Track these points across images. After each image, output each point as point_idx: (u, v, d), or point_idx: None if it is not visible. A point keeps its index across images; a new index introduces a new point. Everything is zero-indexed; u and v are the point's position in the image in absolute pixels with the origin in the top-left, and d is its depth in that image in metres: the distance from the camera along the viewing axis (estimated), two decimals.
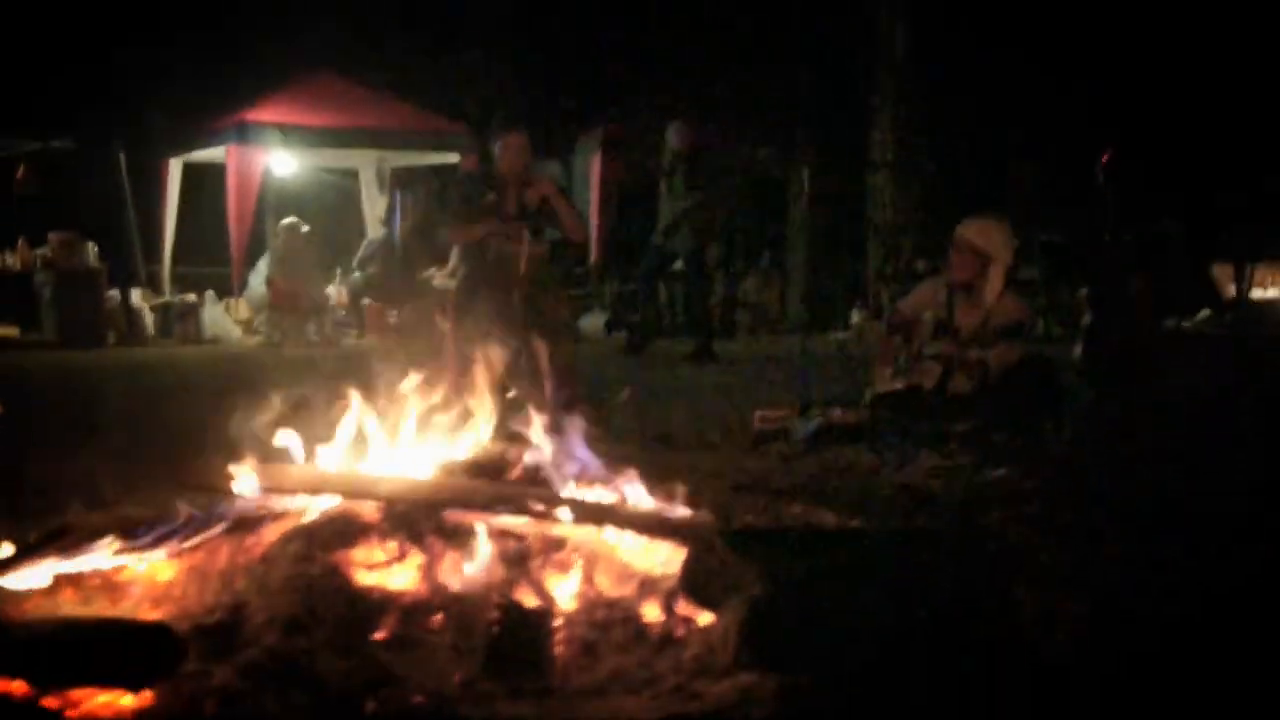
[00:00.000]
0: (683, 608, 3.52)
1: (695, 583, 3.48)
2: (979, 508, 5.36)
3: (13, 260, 15.75)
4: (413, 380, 4.42)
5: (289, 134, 16.19)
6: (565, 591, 3.68)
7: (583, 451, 4.38)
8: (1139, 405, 7.70)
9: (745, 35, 20.54)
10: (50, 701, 2.97)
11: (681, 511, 4.18)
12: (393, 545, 3.77)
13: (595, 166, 18.03)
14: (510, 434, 4.42)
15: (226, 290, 16.66)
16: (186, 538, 3.78)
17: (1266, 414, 7.71)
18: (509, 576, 3.66)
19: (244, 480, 4.02)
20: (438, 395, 4.49)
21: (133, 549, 3.71)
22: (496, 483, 4.14)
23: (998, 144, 19.67)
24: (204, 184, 17.44)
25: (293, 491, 4.08)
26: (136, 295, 16.30)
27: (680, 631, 3.45)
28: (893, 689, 3.09)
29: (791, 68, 20.52)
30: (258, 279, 16.10)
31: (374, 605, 3.48)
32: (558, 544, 3.86)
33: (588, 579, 3.73)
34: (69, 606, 3.53)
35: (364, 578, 3.63)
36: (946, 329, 7.18)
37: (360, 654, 3.25)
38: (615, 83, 21.02)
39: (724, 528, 3.74)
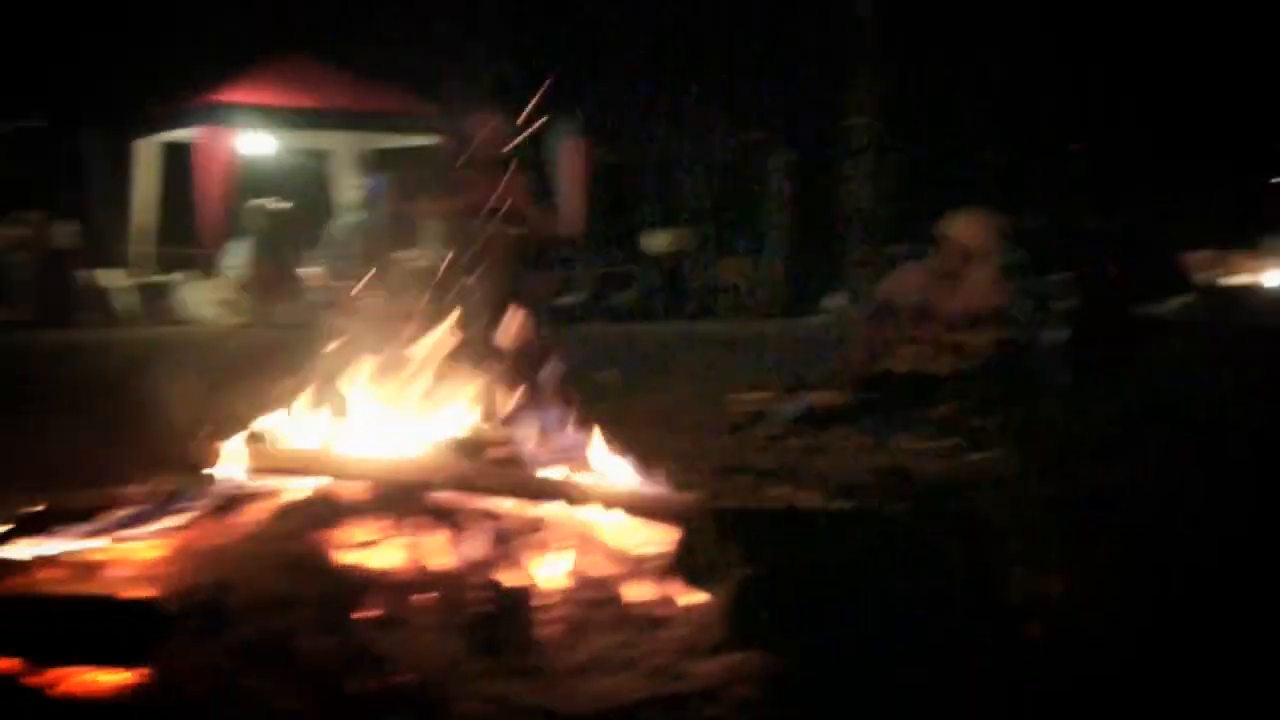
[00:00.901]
0: (669, 588, 3.53)
1: (681, 563, 3.49)
2: (961, 490, 5.38)
3: None
4: (397, 360, 4.41)
5: (260, 115, 16.09)
6: (552, 571, 3.68)
7: (568, 431, 4.39)
8: (1116, 389, 7.74)
9: (722, 20, 20.52)
10: (40, 678, 2.96)
11: (669, 492, 4.19)
12: (379, 525, 3.75)
13: (570, 152, 18.00)
14: (496, 414, 4.41)
15: (203, 271, 16.57)
16: (172, 517, 3.76)
17: (1244, 398, 7.77)
18: (495, 556, 3.66)
19: (229, 460, 4.00)
20: (422, 375, 4.49)
21: (119, 528, 3.70)
22: (482, 463, 4.13)
23: (972, 130, 19.73)
24: (179, 164, 17.33)
25: (278, 471, 4.07)
26: (109, 275, 16.21)
27: (667, 611, 3.46)
28: (877, 669, 3.10)
29: (769, 52, 20.52)
30: (236, 259, 16.02)
31: (360, 584, 3.47)
32: (544, 524, 3.86)
33: (574, 559, 3.73)
34: (54, 585, 3.50)
35: (350, 557, 3.62)
36: (927, 313, 7.20)
37: (346, 633, 3.24)
38: (592, 67, 20.95)
39: (710, 508, 3.73)
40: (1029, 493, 5.24)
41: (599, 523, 3.97)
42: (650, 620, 3.43)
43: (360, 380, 4.39)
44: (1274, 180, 19.16)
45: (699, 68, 20.07)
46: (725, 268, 19.15)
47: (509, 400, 4.42)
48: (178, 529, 3.77)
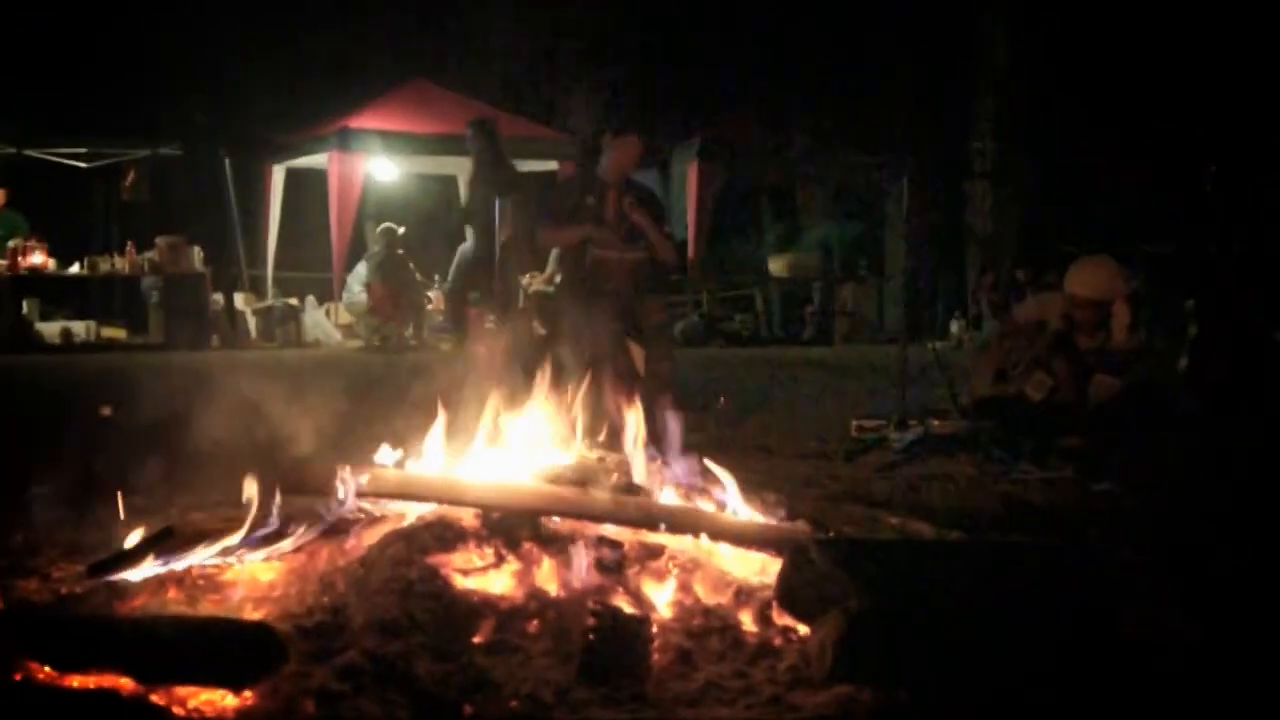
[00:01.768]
0: (779, 618, 3.50)
1: (791, 593, 3.45)
2: (1082, 522, 5.28)
3: (121, 264, 16.07)
4: (511, 387, 4.44)
5: (390, 141, 16.37)
6: (661, 599, 3.68)
7: (679, 459, 4.38)
8: (1249, 421, 7.54)
9: (846, 44, 20.43)
10: (158, 698, 3.01)
11: (778, 521, 4.16)
12: (490, 551, 3.78)
13: (692, 175, 18.04)
14: (608, 441, 4.42)
15: (327, 295, 16.87)
16: (289, 540, 3.82)
17: None
18: (605, 583, 3.67)
19: (344, 483, 4.05)
20: (535, 401, 4.51)
21: (235, 550, 3.76)
22: (593, 490, 4.14)
23: (1100, 153, 19.38)
24: (305, 190, 17.70)
25: (392, 496, 4.11)
26: (239, 299, 16.58)
27: (777, 642, 3.43)
28: (991, 706, 3.04)
29: (893, 77, 20.38)
30: (357, 283, 16.27)
31: (471, 610, 3.50)
32: (654, 552, 3.85)
33: (684, 587, 3.73)
34: (174, 605, 3.58)
35: (461, 582, 3.65)
36: (1068, 343, 7.05)
37: (457, 658, 3.26)
38: (714, 91, 20.99)
39: (820, 538, 3.70)
40: (1153, 526, 5.12)
41: (712, 551, 3.96)
42: (761, 650, 3.40)
43: (479, 405, 4.42)
44: None
45: (823, 89, 20.00)
46: (845, 292, 19.01)
47: (624, 427, 4.41)
48: (294, 551, 3.83)
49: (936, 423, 7.59)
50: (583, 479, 4.20)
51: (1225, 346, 8.23)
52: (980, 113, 19.19)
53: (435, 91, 17.71)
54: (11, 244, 14.92)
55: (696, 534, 3.92)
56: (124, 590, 3.62)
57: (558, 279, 8.17)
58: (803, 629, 3.41)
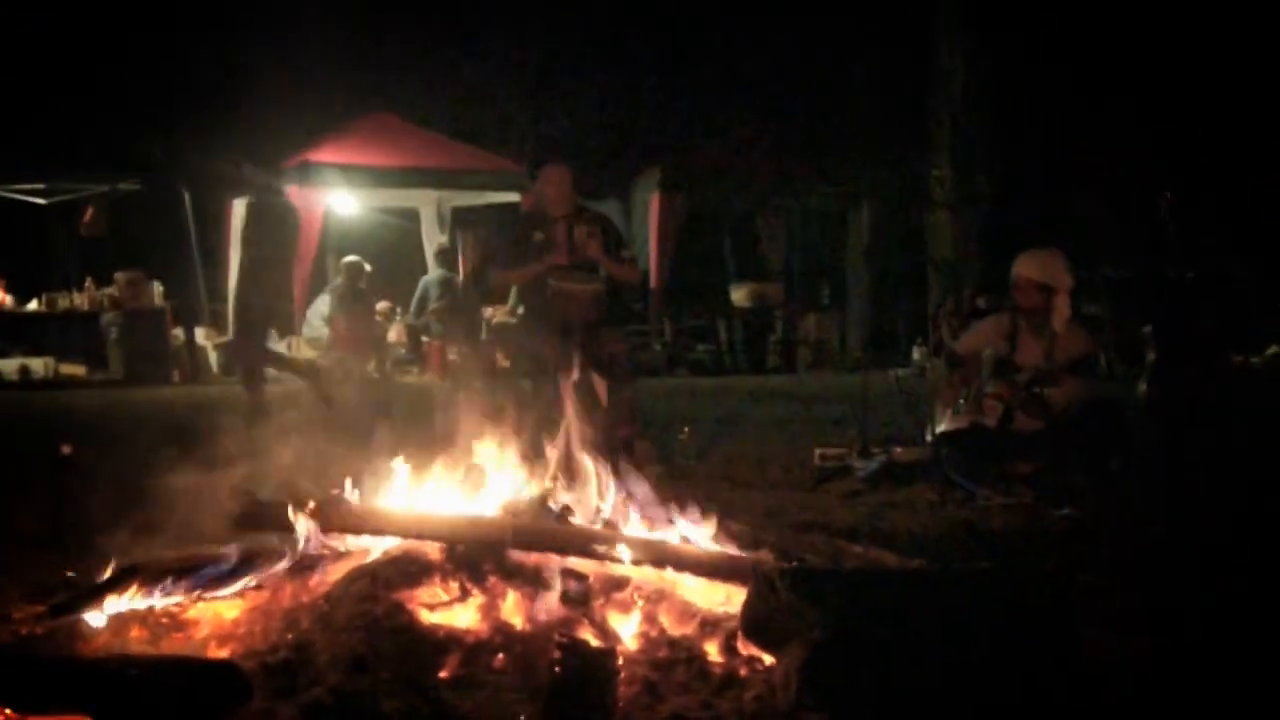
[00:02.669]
0: (745, 648, 3.51)
1: (756, 623, 3.46)
2: (1043, 548, 5.31)
3: (80, 300, 15.98)
4: (473, 419, 4.44)
5: (350, 174, 16.37)
6: (627, 631, 3.68)
7: (643, 490, 4.38)
8: (1208, 444, 7.61)
9: (805, 74, 20.60)
10: None
11: (741, 551, 4.17)
12: (455, 585, 3.78)
13: (654, 205, 18.10)
14: (570, 473, 4.42)
15: (288, 329, 16.80)
16: (252, 577, 3.80)
17: None
18: (571, 616, 3.67)
19: (307, 520, 4.04)
20: (498, 434, 4.52)
21: (199, 588, 3.75)
22: (557, 523, 4.15)
23: (1059, 180, 19.56)
24: None
25: (356, 531, 4.10)
26: (200, 334, 16.50)
27: (743, 672, 3.44)
28: None
29: (851, 106, 20.54)
30: (318, 317, 16.23)
31: (437, 644, 3.49)
32: (619, 583, 3.86)
33: (649, 618, 3.73)
34: (138, 645, 3.56)
35: (427, 617, 3.65)
36: (1008, 366, 7.11)
37: (424, 693, 3.25)
38: (675, 122, 21.11)
39: (784, 567, 3.71)
40: (1113, 552, 5.16)
41: (676, 581, 3.96)
42: (727, 680, 3.41)
43: (442, 441, 4.43)
44: None
45: (784, 119, 20.13)
46: (808, 321, 19.09)
47: (586, 460, 4.42)
48: (257, 589, 3.81)
49: (899, 450, 7.63)
50: (547, 511, 4.20)
51: (1183, 371, 8.30)
52: (938, 142, 19.33)
53: (394, 124, 17.75)
54: None
55: (661, 566, 3.92)
56: (87, 630, 3.60)
57: (519, 311, 8.17)
58: (768, 659, 3.42)
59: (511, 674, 3.40)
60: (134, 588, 3.67)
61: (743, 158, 18.87)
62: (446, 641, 3.51)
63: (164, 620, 3.67)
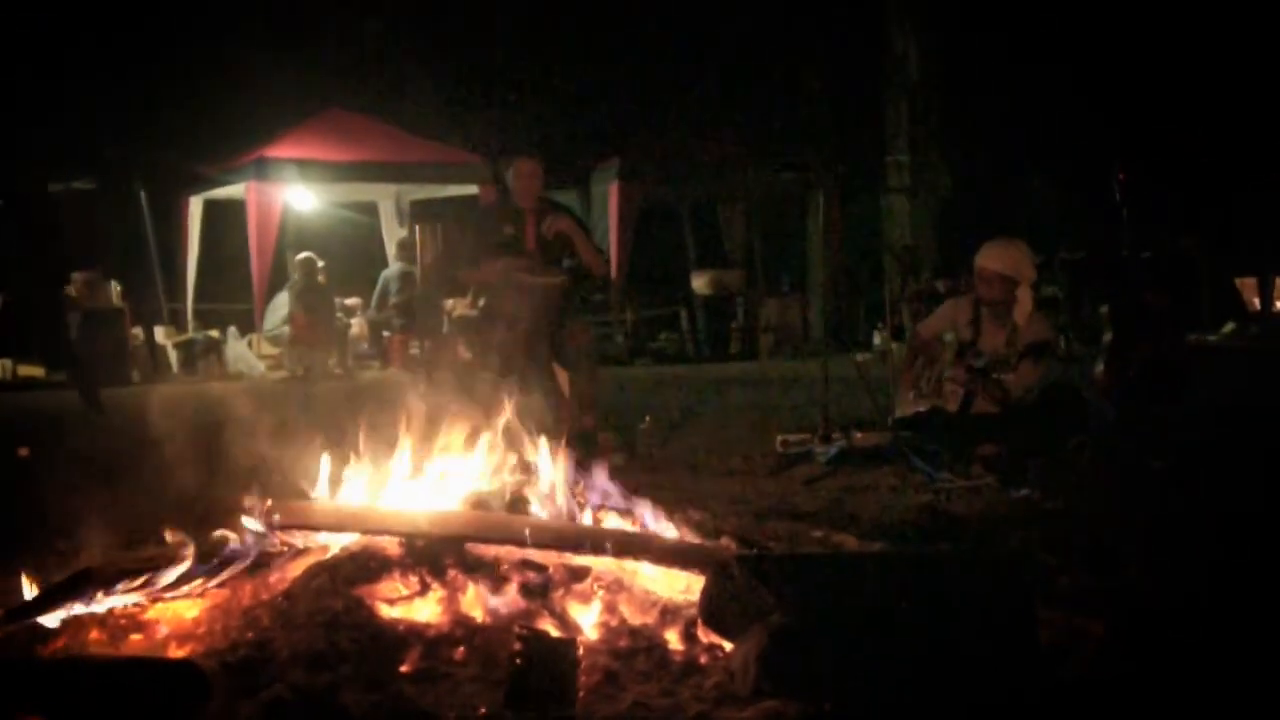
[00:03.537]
0: (705, 636, 3.53)
1: (715, 611, 3.48)
2: (1002, 529, 5.36)
3: None
4: (434, 412, 4.44)
5: (307, 169, 16.31)
6: (587, 621, 3.70)
7: (603, 480, 4.40)
8: (1163, 424, 7.67)
9: (761, 61, 20.63)
10: None
11: (700, 539, 4.19)
12: (415, 579, 3.78)
13: (613, 195, 18.10)
14: (532, 464, 4.43)
15: (248, 326, 16.74)
16: (211, 575, 3.79)
17: None
18: (531, 607, 3.68)
19: (267, 517, 4.03)
20: (459, 427, 4.52)
21: (158, 587, 3.73)
22: (517, 515, 4.15)
23: (1015, 163, 19.68)
24: (224, 221, 17.58)
25: (315, 528, 4.10)
26: (160, 333, 16.40)
27: (703, 659, 3.46)
28: (915, 714, 3.08)
29: (807, 92, 20.59)
30: (278, 314, 16.17)
31: (398, 639, 3.50)
32: (579, 574, 3.87)
33: (609, 608, 3.75)
34: (96, 646, 3.55)
35: (387, 612, 3.65)
36: (969, 351, 7.16)
37: (385, 688, 3.26)
38: (632, 111, 21.10)
39: (743, 554, 3.73)
40: (1070, 532, 5.20)
41: (637, 571, 3.98)
42: (688, 668, 3.43)
43: (401, 433, 4.42)
44: None
45: (742, 107, 20.16)
46: (769, 307, 19.13)
47: (548, 450, 4.42)
48: (216, 587, 3.80)
49: (859, 435, 7.66)
50: (508, 504, 4.21)
51: (1139, 350, 8.36)
52: (894, 126, 19.42)
53: (351, 119, 17.67)
54: None
55: (621, 555, 3.93)
56: (44, 633, 3.58)
57: (481, 303, 8.16)
58: (728, 645, 3.44)
59: (472, 666, 3.41)
60: (92, 588, 3.65)
61: (700, 146, 18.89)
62: (407, 635, 3.51)
63: (123, 621, 3.66)
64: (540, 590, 3.77)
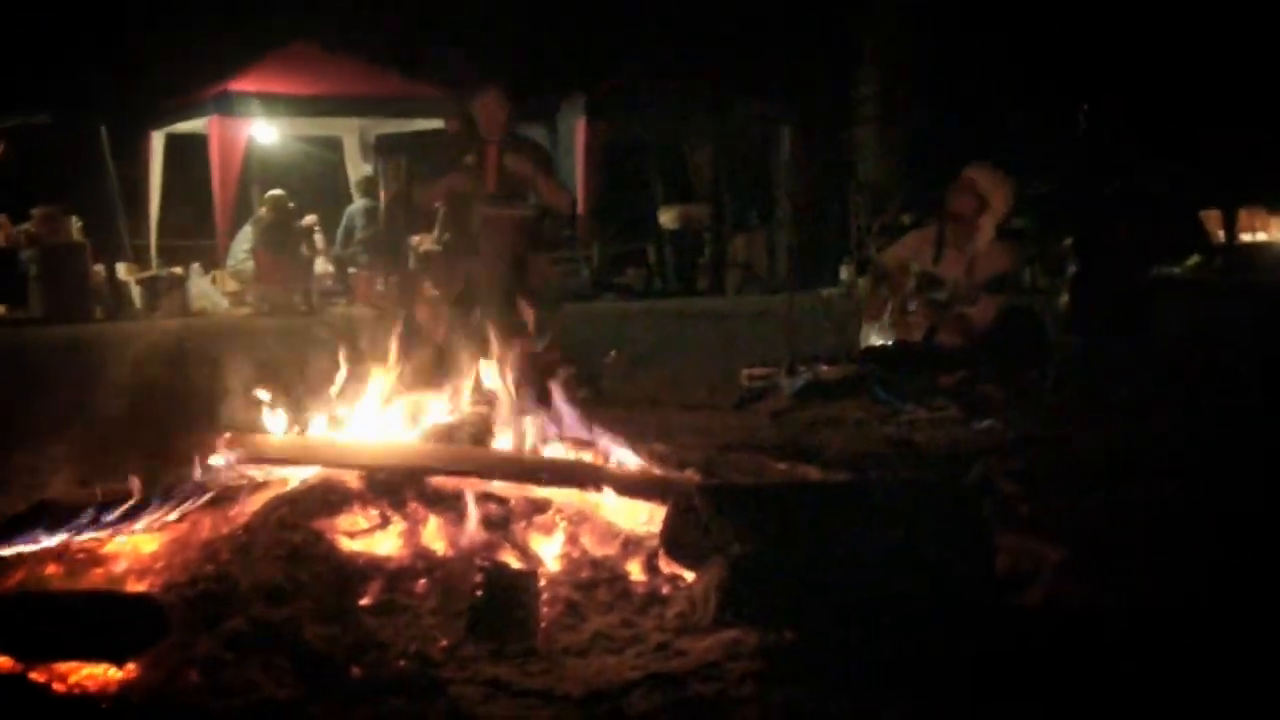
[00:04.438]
0: (667, 566, 3.53)
1: (676, 541, 3.48)
2: (965, 459, 5.38)
3: None
4: (396, 346, 4.42)
5: (271, 103, 16.14)
6: (549, 553, 3.70)
7: (567, 413, 4.38)
8: (1126, 353, 7.72)
9: None
10: (37, 675, 2.97)
11: (661, 470, 4.19)
12: (375, 512, 3.77)
13: (579, 131, 18.00)
14: (494, 397, 4.41)
15: (212, 262, 16.61)
16: (170, 510, 3.77)
17: (1256, 359, 7.75)
18: (492, 540, 3.67)
19: (226, 451, 4.01)
20: (420, 360, 4.50)
21: (116, 522, 3.70)
22: (478, 447, 4.14)
23: (985, 95, 19.62)
24: (186, 156, 17.39)
25: (275, 461, 4.07)
26: (122, 269, 16.26)
27: (664, 590, 3.46)
28: (874, 641, 3.09)
29: (775, 24, 20.44)
30: (242, 250, 16.05)
31: (358, 572, 3.49)
32: (541, 506, 3.87)
33: (571, 540, 3.75)
34: (54, 580, 3.53)
35: (348, 545, 3.64)
36: (931, 280, 7.17)
37: (344, 620, 3.25)
38: (598, 47, 20.93)
39: (703, 485, 3.73)
40: (1032, 461, 5.23)
41: (600, 503, 3.97)
42: (649, 599, 3.44)
43: (361, 367, 4.40)
44: None
45: (707, 41, 20.01)
46: (736, 242, 19.10)
47: (509, 382, 4.40)
48: (175, 522, 3.78)
49: (825, 368, 7.67)
50: (469, 436, 4.20)
51: (1104, 282, 8.40)
52: (864, 58, 19.32)
53: (316, 53, 17.48)
54: None
55: (582, 487, 3.93)
56: (1, 566, 3.55)
57: (446, 238, 8.10)
58: (689, 576, 3.45)
59: (433, 599, 3.41)
60: (50, 523, 3.63)
61: (666, 82, 18.78)
62: (367, 569, 3.50)
63: (81, 556, 3.64)
64: (501, 522, 3.76)
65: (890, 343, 7.29)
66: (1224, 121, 18.13)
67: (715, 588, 3.19)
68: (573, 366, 7.90)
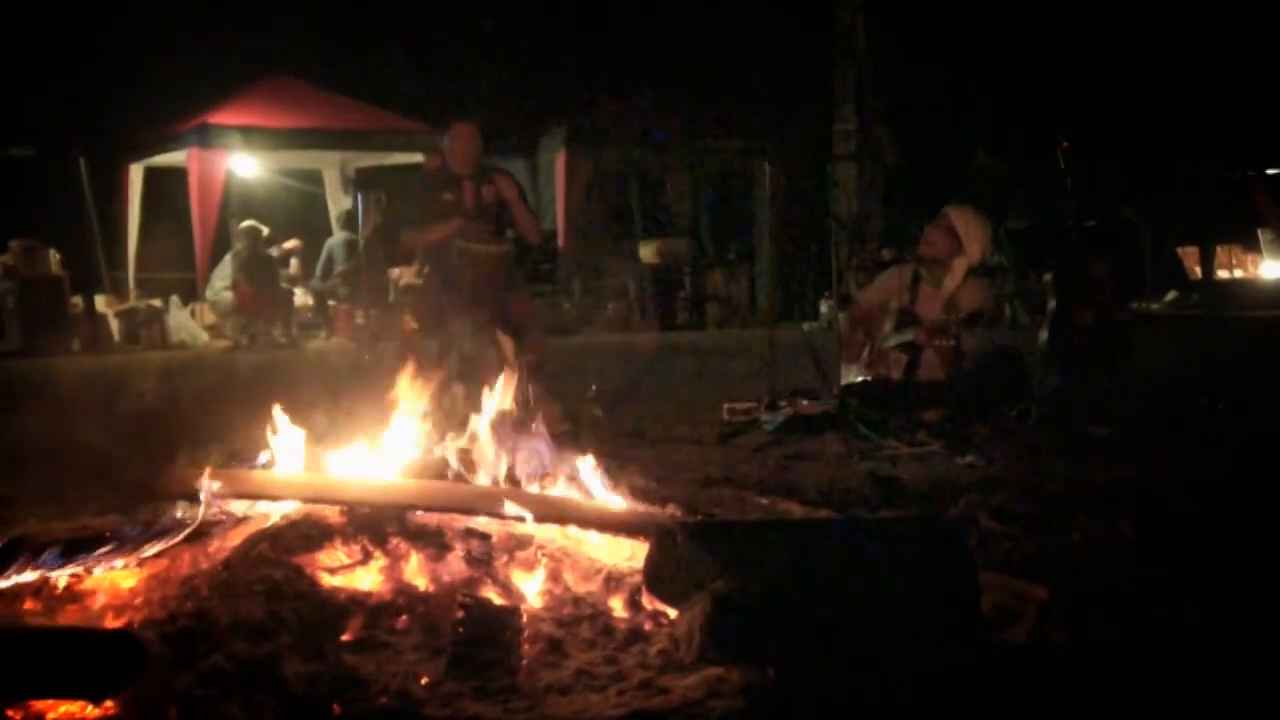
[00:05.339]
0: (649, 603, 3.52)
1: (659, 578, 3.47)
2: (947, 496, 5.37)
3: None
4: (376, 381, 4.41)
5: (251, 136, 16.14)
6: (531, 589, 3.68)
7: (547, 448, 4.37)
8: (1105, 390, 7.75)
9: (706, 30, 20.59)
10: (13, 714, 2.93)
11: (643, 507, 4.18)
12: (357, 548, 3.75)
13: (560, 165, 18.04)
14: (475, 433, 4.39)
15: (191, 295, 16.57)
16: (150, 544, 3.74)
17: (1235, 394, 7.79)
18: (474, 576, 3.65)
19: (207, 486, 3.98)
20: (402, 395, 4.48)
21: (95, 557, 3.67)
22: (459, 483, 4.12)
23: (961, 132, 19.75)
24: (166, 188, 17.37)
25: (256, 496, 4.05)
26: (100, 301, 16.22)
27: (647, 627, 3.44)
28: (858, 679, 3.08)
29: (754, 61, 20.58)
30: (220, 281, 16.02)
31: (339, 608, 3.46)
32: (523, 542, 3.85)
33: (553, 576, 3.73)
34: (30, 616, 3.49)
35: (329, 581, 3.61)
36: (909, 318, 7.20)
37: (325, 657, 3.22)
38: (577, 80, 21.01)
39: (686, 521, 3.72)
40: (1014, 498, 5.23)
41: (582, 539, 3.96)
42: (632, 636, 3.41)
43: (345, 402, 4.39)
44: (1270, 172, 19.22)
45: (688, 77, 20.11)
46: (716, 277, 19.13)
47: (491, 419, 4.39)
48: (155, 556, 3.75)
49: (805, 403, 7.68)
50: (451, 472, 4.18)
51: (1082, 318, 8.43)
52: (842, 95, 19.43)
53: (296, 86, 17.52)
54: None
55: (564, 523, 3.91)
56: None
57: (425, 272, 8.10)
58: (672, 613, 3.43)
59: (415, 635, 3.38)
60: (27, 558, 3.59)
61: (647, 115, 18.86)
62: (348, 604, 3.47)
63: (58, 591, 3.60)
64: (484, 558, 3.74)
65: (870, 379, 7.30)
66: (1202, 158, 18.28)
67: (698, 625, 3.17)
68: (554, 401, 7.95)
